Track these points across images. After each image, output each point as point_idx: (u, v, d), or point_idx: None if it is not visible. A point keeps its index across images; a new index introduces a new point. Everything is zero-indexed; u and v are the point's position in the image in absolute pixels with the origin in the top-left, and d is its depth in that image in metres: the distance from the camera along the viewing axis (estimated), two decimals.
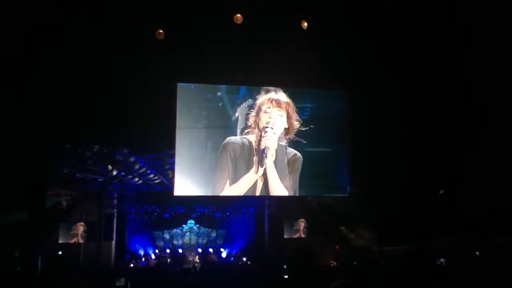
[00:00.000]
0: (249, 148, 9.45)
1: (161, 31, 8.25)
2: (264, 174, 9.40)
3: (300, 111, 9.78)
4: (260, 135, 9.33)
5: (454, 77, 9.31)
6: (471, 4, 7.61)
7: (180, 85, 9.81)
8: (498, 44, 7.99)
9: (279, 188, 9.52)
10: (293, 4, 8.12)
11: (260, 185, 9.44)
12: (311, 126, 9.64)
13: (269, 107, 9.42)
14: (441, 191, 11.18)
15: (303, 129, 9.58)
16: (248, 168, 9.41)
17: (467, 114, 9.54)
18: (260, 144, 9.31)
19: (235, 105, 9.75)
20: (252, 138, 9.47)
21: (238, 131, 9.63)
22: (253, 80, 9.82)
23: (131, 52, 8.61)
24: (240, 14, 7.98)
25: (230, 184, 9.38)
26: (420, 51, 9.02)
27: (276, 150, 9.43)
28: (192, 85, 9.96)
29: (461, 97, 9.41)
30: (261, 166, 9.31)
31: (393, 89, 9.86)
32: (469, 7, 7.62)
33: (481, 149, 9.26)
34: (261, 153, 9.27)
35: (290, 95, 9.70)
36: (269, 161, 9.39)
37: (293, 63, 8.95)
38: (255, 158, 9.41)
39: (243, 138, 9.51)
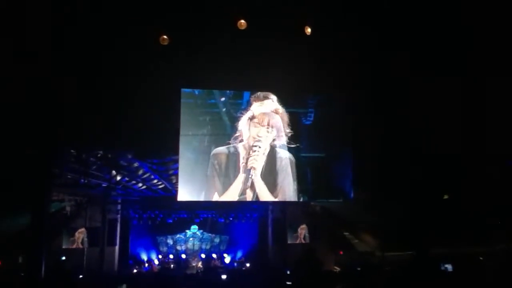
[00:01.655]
0: (236, 157, 9.43)
1: (165, 36, 8.27)
2: (252, 186, 9.39)
3: (303, 117, 9.80)
4: (248, 153, 9.35)
5: (454, 77, 9.29)
6: (471, 4, 7.61)
7: (183, 91, 9.84)
8: (498, 44, 7.98)
9: (268, 198, 9.53)
10: (295, 9, 8.13)
11: (250, 194, 9.41)
12: (298, 144, 9.68)
13: (258, 123, 9.46)
14: (445, 196, 11.13)
15: (293, 145, 9.62)
16: (235, 177, 9.38)
17: (468, 114, 9.52)
18: (248, 162, 9.31)
19: (239, 110, 9.75)
20: (241, 147, 9.45)
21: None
22: (257, 85, 9.83)
23: (134, 57, 8.63)
24: (244, 20, 7.99)
25: (219, 196, 9.39)
26: (420, 51, 9.02)
27: (266, 155, 9.46)
28: (196, 91, 9.98)
29: (461, 97, 9.40)
30: (245, 187, 9.28)
31: (395, 92, 9.85)
32: (469, 7, 7.61)
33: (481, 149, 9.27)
34: (248, 173, 9.28)
35: (293, 101, 9.72)
36: (256, 174, 9.41)
37: (296, 69, 8.95)
38: (240, 176, 9.40)
39: (230, 147, 9.50)
